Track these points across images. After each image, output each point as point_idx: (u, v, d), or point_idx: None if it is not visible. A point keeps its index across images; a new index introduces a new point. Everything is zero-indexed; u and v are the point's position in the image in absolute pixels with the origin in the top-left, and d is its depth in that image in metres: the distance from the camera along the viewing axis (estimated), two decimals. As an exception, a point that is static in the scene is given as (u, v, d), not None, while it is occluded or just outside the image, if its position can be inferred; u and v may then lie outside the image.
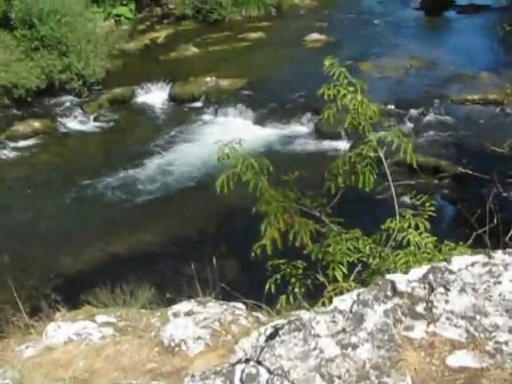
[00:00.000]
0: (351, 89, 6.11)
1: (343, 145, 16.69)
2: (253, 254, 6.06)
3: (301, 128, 18.06)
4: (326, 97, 6.19)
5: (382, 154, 6.13)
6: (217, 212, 14.76)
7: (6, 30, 21.53)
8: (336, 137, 17.05)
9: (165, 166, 16.99)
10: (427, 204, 5.96)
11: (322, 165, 15.86)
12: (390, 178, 6.22)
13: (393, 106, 18.20)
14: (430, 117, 17.89)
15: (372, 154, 6.15)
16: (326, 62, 6.26)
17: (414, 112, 18.02)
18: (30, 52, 20.95)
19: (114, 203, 15.72)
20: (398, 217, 5.92)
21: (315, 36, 23.57)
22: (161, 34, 26.34)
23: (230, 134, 17.99)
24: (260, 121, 18.68)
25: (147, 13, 29.19)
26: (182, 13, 27.07)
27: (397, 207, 6.01)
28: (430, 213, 5.90)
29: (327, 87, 6.15)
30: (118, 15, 27.85)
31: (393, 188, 6.25)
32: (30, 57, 20.85)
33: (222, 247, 13.34)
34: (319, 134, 17.55)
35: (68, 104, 20.80)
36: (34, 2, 21.20)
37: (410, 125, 17.44)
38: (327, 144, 17.10)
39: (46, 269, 13.48)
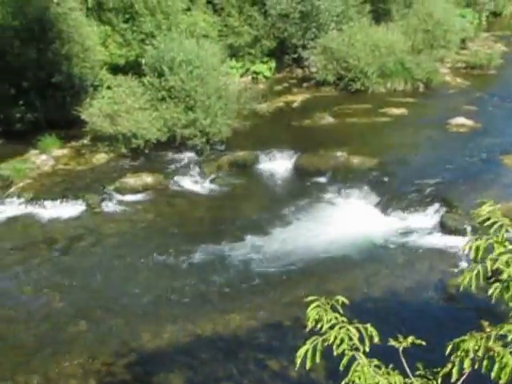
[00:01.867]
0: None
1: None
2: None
3: (425, 219, 16.30)
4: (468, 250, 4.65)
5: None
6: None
7: (135, 75, 20.85)
8: (462, 233, 15.32)
9: (272, 244, 15.58)
10: None
11: (436, 264, 14.56)
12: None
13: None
14: None
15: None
16: (484, 209, 4.63)
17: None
18: (155, 102, 20.17)
19: (209, 277, 14.40)
20: None
21: (461, 120, 21.85)
22: (297, 98, 25.24)
23: (348, 217, 16.90)
24: (382, 207, 17.04)
25: (287, 73, 28.31)
26: (323, 78, 25.89)
27: None
28: None
29: (476, 238, 4.57)
30: (257, 73, 27.09)
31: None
32: (155, 107, 20.10)
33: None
34: (444, 228, 15.80)
35: (186, 161, 19.80)
36: (167, 49, 20.45)
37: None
38: (451, 242, 15.31)
39: (123, 342, 12.32)
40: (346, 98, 24.87)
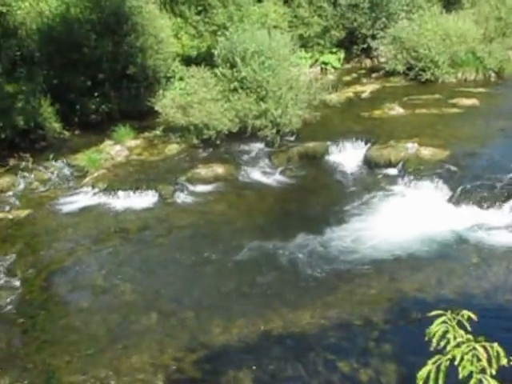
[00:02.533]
0: None
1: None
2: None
3: (501, 217, 15.45)
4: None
5: None
6: (387, 300, 12.69)
7: (207, 66, 20.51)
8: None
9: (341, 239, 14.92)
10: None
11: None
12: None
13: None
14: None
15: None
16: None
17: None
18: (227, 92, 19.78)
19: (277, 272, 13.85)
20: None
21: (536, 111, 21.03)
22: (366, 89, 24.60)
23: (419, 211, 16.27)
24: (455, 201, 16.18)
25: (355, 64, 27.73)
26: (393, 68, 25.21)
27: None
28: None
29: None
30: (326, 63, 26.57)
31: None
32: (227, 98, 19.70)
33: (384, 346, 11.34)
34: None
35: (256, 152, 19.42)
36: (240, 40, 20.06)
37: None
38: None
39: (193, 336, 11.89)
40: (416, 89, 24.11)
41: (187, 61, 23.45)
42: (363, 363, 10.87)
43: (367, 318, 12.14)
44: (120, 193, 17.55)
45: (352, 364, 10.88)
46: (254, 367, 10.98)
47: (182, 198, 17.41)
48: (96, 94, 22.15)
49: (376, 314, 12.24)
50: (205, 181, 18.05)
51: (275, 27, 23.14)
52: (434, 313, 4.81)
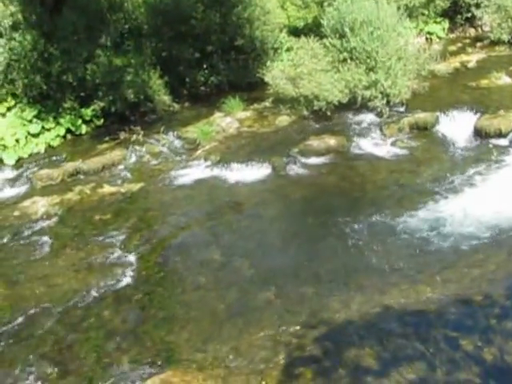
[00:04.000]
0: None
1: None
2: None
3: None
4: None
5: None
6: (508, 274, 11.59)
7: (318, 37, 19.51)
8: None
9: (455, 212, 13.74)
10: None
11: None
12: None
13: None
14: None
15: None
16: None
17: None
18: (336, 63, 18.76)
19: (395, 246, 12.82)
20: None
21: None
22: (472, 58, 23.15)
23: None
24: None
25: (459, 33, 26.28)
26: (498, 37, 23.74)
27: None
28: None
29: None
30: (430, 33, 25.22)
31: None
32: (337, 68, 18.65)
33: (507, 322, 10.32)
34: None
35: (366, 123, 18.28)
36: (348, 10, 18.98)
37: None
38: None
39: (313, 312, 11.09)
40: (523, 58, 22.63)
41: (294, 32, 22.57)
42: (486, 341, 9.93)
43: (487, 294, 11.14)
44: (233, 165, 16.76)
45: (475, 342, 9.95)
46: (374, 345, 10.16)
47: (294, 170, 16.51)
48: (205, 66, 21.49)
49: (496, 290, 11.24)
50: (316, 153, 17.07)
51: (381, -3, 21.95)
52: None
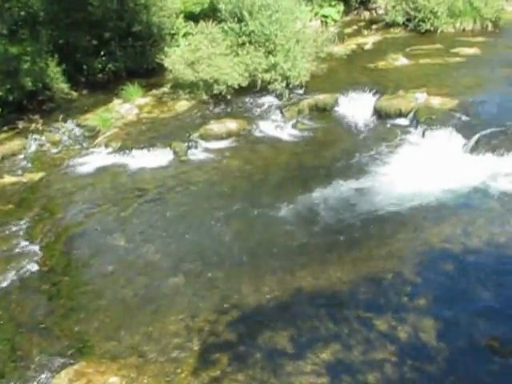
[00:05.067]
0: None
1: None
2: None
3: (518, 162, 14.35)
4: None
5: None
6: (415, 252, 11.59)
7: (215, 21, 19.10)
8: None
9: (360, 192, 13.71)
10: None
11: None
12: None
13: None
14: None
15: None
16: None
17: None
18: (235, 47, 18.46)
19: (301, 227, 12.65)
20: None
21: (540, 58, 19.73)
22: (368, 40, 23.25)
23: (436, 160, 15.06)
24: (471, 149, 14.94)
25: (354, 16, 26.37)
26: (392, 19, 23.91)
27: None
28: None
29: None
30: (325, 16, 25.16)
31: None
32: (236, 52, 18.39)
33: (418, 300, 10.30)
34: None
35: (267, 106, 18.05)
36: (247, -6, 18.69)
37: None
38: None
39: (226, 296, 10.79)
40: (417, 39, 22.79)
41: (190, 17, 22.08)
42: (399, 319, 9.86)
43: (397, 271, 11.13)
44: (134, 151, 16.26)
45: (388, 321, 9.88)
46: (287, 327, 9.92)
47: (196, 154, 16.16)
48: (102, 53, 20.80)
49: (405, 267, 11.21)
50: (218, 137, 16.77)
51: (277, -19, 21.69)
52: None
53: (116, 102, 19.00)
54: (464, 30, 23.63)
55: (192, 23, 20.00)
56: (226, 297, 10.78)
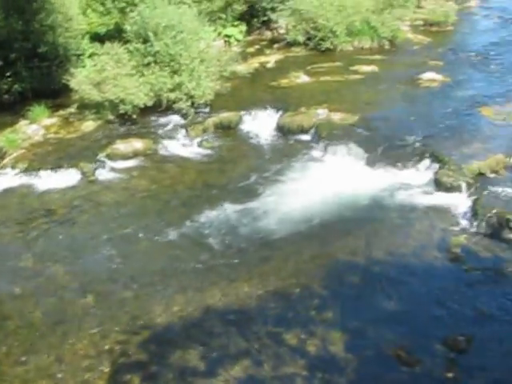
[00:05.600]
0: None
1: (462, 200, 13.60)
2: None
3: (417, 175, 14.74)
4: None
5: None
6: (322, 265, 11.91)
7: (120, 42, 19.03)
8: (458, 190, 13.90)
9: (267, 207, 13.97)
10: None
11: (435, 222, 13.10)
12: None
13: (519, 159, 14.83)
14: None
15: None
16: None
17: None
18: (141, 67, 18.41)
19: (210, 244, 12.79)
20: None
21: (431, 75, 20.32)
22: (270, 59, 23.53)
23: (338, 174, 15.39)
24: (371, 163, 15.44)
25: (257, 36, 26.62)
26: (293, 38, 24.26)
27: None
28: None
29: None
30: (228, 36, 25.33)
31: None
32: (141, 72, 18.33)
33: (326, 313, 10.58)
34: (439, 185, 14.24)
35: (173, 125, 18.06)
36: (151, 16, 18.70)
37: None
38: (449, 199, 13.85)
39: (134, 316, 10.82)
40: (317, 57, 23.14)
41: (96, 38, 21.88)
42: (308, 333, 10.09)
43: (304, 285, 11.41)
44: (42, 172, 16.00)
45: (298, 335, 10.10)
46: (198, 345, 9.99)
47: (104, 174, 16.02)
48: (8, 74, 20.32)
49: (313, 281, 11.50)
50: (125, 156, 16.69)
51: (181, 3, 21.72)
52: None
53: (23, 122, 18.63)
54: (362, 48, 24.15)
55: (98, 44, 19.80)
56: (137, 317, 10.80)
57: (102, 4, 21.91)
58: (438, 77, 20.32)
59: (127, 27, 19.19)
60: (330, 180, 14.90)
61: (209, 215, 13.77)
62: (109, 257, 12.65)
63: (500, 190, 13.59)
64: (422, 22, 27.14)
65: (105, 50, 18.58)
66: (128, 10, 20.59)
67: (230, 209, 14.01)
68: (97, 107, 18.37)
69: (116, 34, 20.88)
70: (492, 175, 14.25)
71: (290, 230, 13.06)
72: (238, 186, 15.11)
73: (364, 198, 14.17)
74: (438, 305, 10.67)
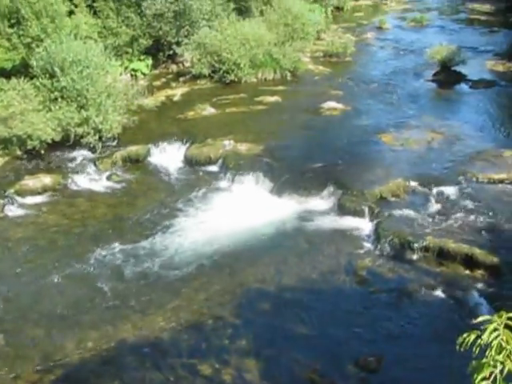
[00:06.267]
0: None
1: (366, 224, 13.84)
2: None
3: (321, 202, 14.97)
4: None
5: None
6: (233, 295, 11.89)
7: (26, 78, 18.59)
8: (360, 215, 14.14)
9: (176, 239, 13.89)
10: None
11: (341, 246, 13.27)
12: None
13: (416, 183, 15.16)
14: (456, 195, 14.77)
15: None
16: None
17: (439, 190, 14.94)
18: (48, 103, 18.01)
19: (122, 278, 12.61)
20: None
21: (332, 104, 20.68)
22: (177, 92, 23.46)
23: (246, 204, 15.39)
24: (277, 191, 15.57)
25: (163, 69, 26.47)
26: (199, 72, 24.22)
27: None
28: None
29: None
30: (135, 70, 25.11)
31: None
32: (48, 107, 17.93)
33: (240, 341, 10.51)
34: (342, 210, 14.46)
35: (81, 159, 17.76)
36: (57, 51, 18.35)
37: (435, 205, 14.41)
38: (352, 223, 14.07)
39: (47, 354, 10.49)
40: (222, 90, 23.23)
41: (2, 73, 21.29)
42: (223, 362, 10.01)
43: (217, 315, 11.35)
44: None
45: (212, 364, 9.97)
46: (113, 380, 9.73)
47: (13, 210, 15.56)
48: None
49: (225, 310, 11.43)
50: (34, 192, 16.25)
51: (87, 38, 21.45)
52: (481, 319, 4.06)
53: None
54: (266, 79, 24.37)
55: (4, 79, 19.30)
56: (49, 354, 10.49)
57: (8, 39, 21.34)
58: (339, 105, 20.70)
59: (33, 62, 18.74)
60: (238, 210, 14.90)
61: (117, 249, 13.55)
62: (17, 294, 12.26)
63: (401, 212, 13.89)
64: (322, 54, 27.67)
65: (11, 86, 18.10)
66: (34, 45, 20.08)
67: (140, 243, 13.81)
68: (4, 143, 17.80)
69: (22, 70, 20.39)
70: (393, 199, 14.55)
71: (200, 262, 13.00)
72: (147, 219, 14.96)
73: (271, 226, 14.22)
74: (348, 327, 10.76)
